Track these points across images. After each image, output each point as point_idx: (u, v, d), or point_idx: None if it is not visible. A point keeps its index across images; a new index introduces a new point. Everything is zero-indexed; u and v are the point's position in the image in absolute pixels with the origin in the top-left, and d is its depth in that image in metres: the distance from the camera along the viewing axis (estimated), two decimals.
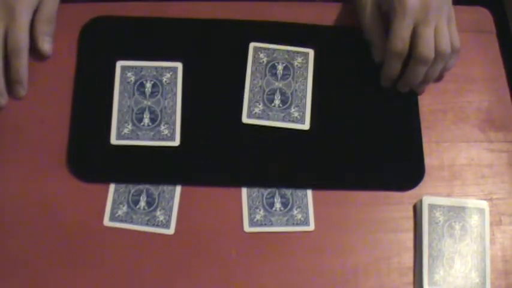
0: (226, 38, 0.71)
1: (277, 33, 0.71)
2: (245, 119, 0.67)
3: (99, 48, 0.70)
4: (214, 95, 0.68)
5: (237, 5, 0.73)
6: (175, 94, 0.68)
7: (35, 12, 0.67)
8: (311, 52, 0.70)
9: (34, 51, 0.66)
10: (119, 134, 0.66)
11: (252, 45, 0.70)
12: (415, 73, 0.67)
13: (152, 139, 0.66)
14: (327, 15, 0.73)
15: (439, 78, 0.70)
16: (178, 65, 0.69)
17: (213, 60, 0.70)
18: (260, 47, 0.70)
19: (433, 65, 0.67)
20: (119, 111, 0.67)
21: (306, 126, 0.68)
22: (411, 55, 0.66)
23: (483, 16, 0.76)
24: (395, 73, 0.68)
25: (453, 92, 0.71)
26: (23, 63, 0.65)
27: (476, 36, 0.74)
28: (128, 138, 0.66)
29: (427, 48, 0.65)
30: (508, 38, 1.03)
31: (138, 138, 0.66)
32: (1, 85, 0.65)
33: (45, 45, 0.68)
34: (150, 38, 0.70)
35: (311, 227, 0.64)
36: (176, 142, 0.66)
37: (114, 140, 0.66)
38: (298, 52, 0.70)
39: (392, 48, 0.66)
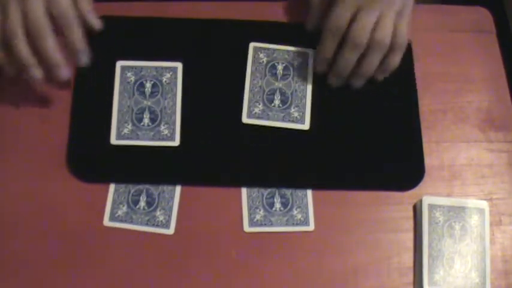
0: (226, 38, 0.71)
1: (277, 33, 0.71)
2: (245, 119, 0.67)
3: (99, 48, 0.69)
4: (214, 95, 0.68)
5: (237, 5, 0.73)
6: (175, 94, 0.68)
7: None
8: (311, 52, 0.70)
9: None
10: (119, 134, 0.66)
11: (252, 45, 0.70)
12: (345, 59, 0.66)
13: (152, 139, 0.66)
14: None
15: (381, 74, 0.69)
16: (178, 65, 0.69)
17: (213, 60, 0.70)
18: (260, 47, 0.70)
19: (368, 55, 0.65)
20: (119, 111, 0.67)
21: (305, 126, 0.68)
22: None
23: (483, 16, 0.76)
24: (328, 54, 0.66)
25: (453, 92, 0.71)
26: (74, 27, 0.63)
27: (476, 36, 0.74)
28: (128, 138, 0.66)
29: (360, 33, 0.63)
30: (508, 38, 1.03)
31: (138, 138, 0.66)
32: (58, 57, 0.62)
33: (94, 20, 0.67)
34: (150, 38, 0.70)
35: (311, 227, 0.64)
36: (176, 142, 0.66)
37: (114, 140, 0.66)
38: (298, 52, 0.70)
39: (327, 25, 0.65)
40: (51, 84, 0.66)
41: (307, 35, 0.72)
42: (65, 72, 0.64)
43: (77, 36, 0.64)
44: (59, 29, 0.63)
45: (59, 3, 0.62)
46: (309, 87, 0.69)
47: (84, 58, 0.66)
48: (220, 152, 0.66)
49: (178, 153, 0.66)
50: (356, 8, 0.63)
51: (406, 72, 0.70)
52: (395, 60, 0.67)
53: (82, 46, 0.65)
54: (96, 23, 0.68)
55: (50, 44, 0.62)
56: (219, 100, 0.68)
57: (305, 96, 0.69)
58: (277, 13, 0.73)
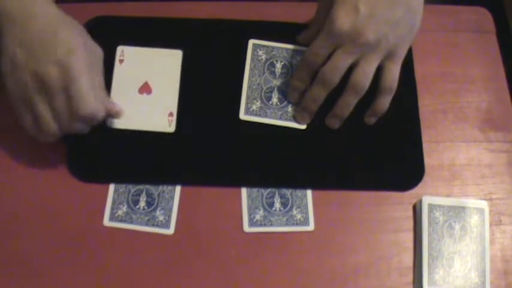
0: (226, 35, 0.71)
1: (276, 31, 0.71)
2: (242, 116, 0.67)
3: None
4: (213, 92, 0.68)
5: (237, 5, 0.73)
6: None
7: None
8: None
9: None
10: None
11: (251, 42, 0.70)
12: (312, 93, 0.65)
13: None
14: None
15: (371, 118, 0.67)
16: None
17: (212, 58, 0.70)
18: (259, 44, 0.70)
19: (342, 95, 0.64)
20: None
21: (303, 125, 0.68)
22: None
23: (483, 16, 0.76)
24: (298, 84, 0.66)
25: (453, 92, 0.71)
26: (100, 116, 0.61)
27: (476, 36, 0.74)
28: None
29: (329, 72, 0.62)
30: (508, 38, 1.03)
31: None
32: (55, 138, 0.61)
33: (116, 106, 0.65)
34: (150, 38, 0.70)
35: (311, 227, 0.64)
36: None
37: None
38: (297, 50, 0.70)
39: (305, 55, 0.64)
40: None
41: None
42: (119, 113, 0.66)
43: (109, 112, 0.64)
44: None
45: (85, 106, 0.58)
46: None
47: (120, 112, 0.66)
48: (220, 152, 0.66)
49: (178, 153, 0.66)
50: (335, 46, 0.61)
51: (406, 72, 0.70)
52: (383, 103, 0.66)
53: (117, 109, 0.65)
54: (119, 111, 0.66)
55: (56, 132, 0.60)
56: (217, 97, 0.68)
57: None
58: (277, 13, 0.73)
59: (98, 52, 0.62)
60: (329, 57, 0.62)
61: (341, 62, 0.61)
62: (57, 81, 0.57)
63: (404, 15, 0.61)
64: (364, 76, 0.62)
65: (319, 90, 0.64)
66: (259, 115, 0.68)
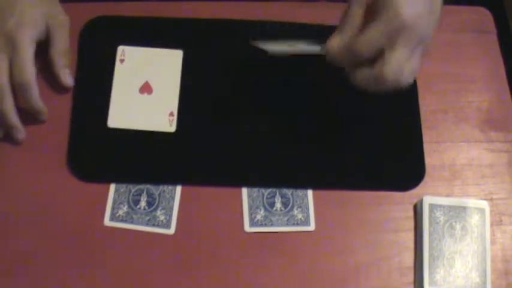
0: (227, 35, 0.71)
1: (277, 32, 0.71)
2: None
3: (99, 48, 0.70)
4: (214, 91, 0.68)
5: (238, 5, 0.73)
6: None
7: (50, 47, 0.66)
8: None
9: (35, 55, 0.65)
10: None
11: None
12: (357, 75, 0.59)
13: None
14: (328, 15, 0.73)
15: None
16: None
17: (212, 58, 0.70)
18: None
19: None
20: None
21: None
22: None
23: (483, 16, 0.76)
24: (338, 63, 0.60)
25: (453, 92, 0.71)
26: (33, 95, 0.63)
27: (476, 36, 0.74)
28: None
29: (394, 70, 0.56)
30: (508, 38, 1.03)
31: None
32: (14, 120, 0.64)
33: (67, 78, 0.67)
34: (151, 38, 0.70)
35: (311, 227, 0.64)
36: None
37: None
38: None
39: (355, 47, 0.57)
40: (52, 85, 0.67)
41: (306, 34, 0.72)
42: (21, 135, 0.64)
43: (35, 100, 0.64)
44: (17, 92, 0.63)
45: (24, 73, 0.62)
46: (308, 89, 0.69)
47: (42, 118, 0.66)
48: (220, 151, 0.66)
49: (179, 153, 0.66)
50: (388, 42, 0.56)
51: None
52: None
53: (37, 108, 0.65)
54: (69, 82, 0.67)
55: (8, 105, 0.63)
56: (217, 97, 0.68)
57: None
58: (277, 13, 0.73)
59: (62, 20, 0.67)
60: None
61: (404, 59, 0.56)
62: (2, 49, 0.62)
63: (440, 9, 0.59)
64: (414, 71, 0.58)
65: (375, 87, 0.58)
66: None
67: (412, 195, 0.66)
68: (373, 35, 0.56)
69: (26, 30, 0.63)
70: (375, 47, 0.56)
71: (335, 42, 0.59)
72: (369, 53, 0.57)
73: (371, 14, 0.57)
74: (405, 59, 0.57)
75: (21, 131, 0.64)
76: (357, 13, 0.59)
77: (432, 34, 0.59)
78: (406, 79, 0.57)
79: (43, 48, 0.66)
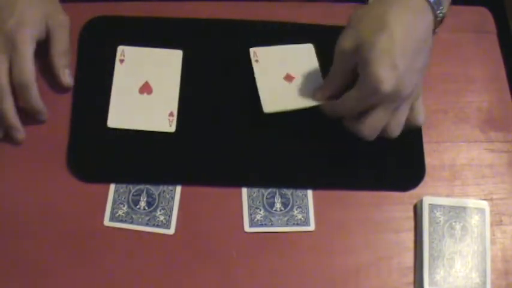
0: (226, 35, 0.71)
1: (277, 32, 0.71)
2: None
3: (99, 48, 0.70)
4: (214, 91, 0.68)
5: (238, 5, 0.73)
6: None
7: (50, 47, 0.66)
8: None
9: (35, 55, 0.65)
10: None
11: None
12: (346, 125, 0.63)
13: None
14: (328, 15, 0.73)
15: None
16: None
17: (212, 58, 0.70)
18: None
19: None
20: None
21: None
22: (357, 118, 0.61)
23: (483, 16, 0.76)
24: (329, 114, 0.64)
25: (453, 92, 0.71)
26: (32, 95, 0.63)
27: (476, 36, 0.74)
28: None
29: (369, 130, 0.60)
30: (508, 38, 1.03)
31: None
32: (14, 120, 0.63)
33: (67, 78, 0.67)
34: (151, 38, 0.70)
35: (311, 227, 0.64)
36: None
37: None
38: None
39: (336, 106, 0.63)
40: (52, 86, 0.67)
41: (306, 34, 0.72)
42: (20, 135, 0.64)
43: (35, 100, 0.64)
44: (17, 92, 0.63)
45: (24, 73, 0.62)
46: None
47: (41, 118, 0.66)
48: (220, 151, 0.66)
49: (179, 153, 0.66)
50: (373, 104, 0.59)
51: None
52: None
53: (37, 108, 0.65)
54: (69, 82, 0.67)
55: (8, 106, 0.63)
56: (217, 97, 0.68)
57: None
58: (277, 13, 0.73)
59: (62, 20, 0.67)
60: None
61: (381, 121, 0.60)
62: (1, 49, 0.62)
63: (426, 56, 0.61)
64: (399, 126, 0.62)
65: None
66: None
67: (412, 195, 0.66)
68: (351, 103, 0.60)
69: (26, 30, 0.63)
70: (354, 111, 0.61)
71: (318, 94, 0.65)
72: (350, 116, 0.61)
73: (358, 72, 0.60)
74: (383, 120, 0.60)
75: (20, 131, 0.64)
76: (339, 72, 0.63)
77: (424, 74, 0.62)
78: (392, 133, 0.62)
79: (43, 48, 0.66)
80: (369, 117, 0.60)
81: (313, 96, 0.66)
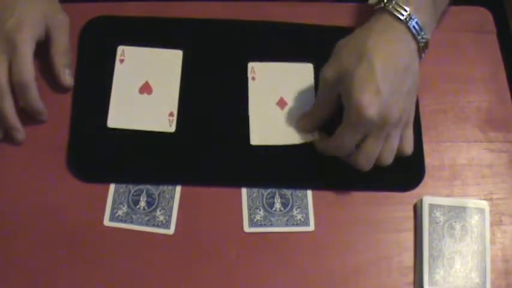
0: (226, 35, 0.71)
1: (277, 32, 0.71)
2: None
3: (99, 48, 0.70)
4: (213, 91, 0.68)
5: (238, 5, 0.73)
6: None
7: (50, 47, 0.66)
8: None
9: (35, 55, 0.65)
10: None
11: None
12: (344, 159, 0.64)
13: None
14: (328, 15, 0.73)
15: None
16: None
17: (212, 58, 0.70)
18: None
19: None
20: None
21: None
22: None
23: (483, 16, 0.76)
24: (324, 154, 0.65)
25: (453, 92, 0.71)
26: (32, 95, 0.63)
27: (476, 36, 0.74)
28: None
29: (363, 161, 0.61)
30: (508, 38, 1.03)
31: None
32: (14, 120, 0.63)
33: (68, 78, 0.67)
34: (151, 38, 0.70)
35: (311, 227, 0.64)
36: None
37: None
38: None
39: (328, 146, 0.63)
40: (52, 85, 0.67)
41: (306, 35, 0.72)
42: (20, 135, 0.64)
43: (35, 100, 0.64)
44: (17, 92, 0.63)
45: (23, 73, 0.62)
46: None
47: (43, 117, 0.66)
48: (220, 151, 0.66)
49: (179, 153, 0.66)
50: (363, 134, 0.60)
51: None
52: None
53: (37, 109, 0.65)
54: (69, 82, 0.67)
55: (8, 106, 0.63)
56: (217, 97, 0.68)
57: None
58: (277, 13, 0.73)
59: (62, 19, 0.67)
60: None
61: (375, 150, 0.61)
62: (1, 48, 0.62)
63: (413, 81, 0.61)
64: (392, 152, 0.62)
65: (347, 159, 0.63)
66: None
67: (412, 195, 0.66)
68: (343, 139, 0.61)
69: (25, 30, 0.63)
70: (348, 148, 0.61)
71: (301, 123, 0.66)
72: (344, 153, 0.62)
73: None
74: (376, 148, 0.61)
75: (20, 132, 0.64)
76: (325, 101, 0.63)
77: (413, 102, 0.62)
78: (384, 161, 0.62)
79: (43, 48, 0.66)
80: (362, 148, 0.61)
81: (299, 125, 0.66)
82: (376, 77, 0.58)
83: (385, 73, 0.58)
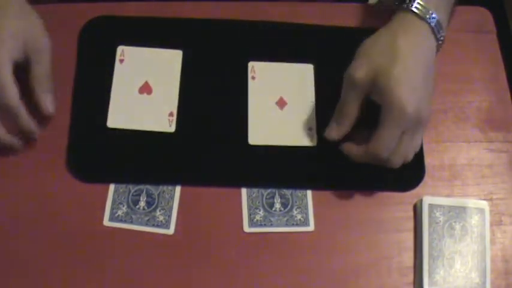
0: (226, 35, 0.71)
1: (277, 32, 0.71)
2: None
3: (99, 48, 0.70)
4: (213, 91, 0.68)
5: (237, 5, 0.73)
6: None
7: (28, 72, 0.63)
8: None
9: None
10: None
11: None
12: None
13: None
14: (328, 15, 0.73)
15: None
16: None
17: (212, 58, 0.70)
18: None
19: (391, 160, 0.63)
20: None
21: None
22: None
23: (483, 16, 0.76)
24: (362, 161, 0.63)
25: (453, 92, 0.71)
26: (19, 115, 0.61)
27: (476, 36, 0.74)
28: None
29: (398, 158, 0.62)
30: (508, 38, 1.03)
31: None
32: (7, 137, 0.62)
33: (48, 104, 0.64)
34: (150, 38, 0.70)
35: (311, 227, 0.64)
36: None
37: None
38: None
39: (374, 152, 0.61)
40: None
41: (306, 35, 0.72)
42: (17, 147, 0.64)
43: (25, 121, 0.62)
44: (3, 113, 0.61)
45: (5, 97, 0.60)
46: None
47: (35, 136, 0.64)
48: (219, 151, 0.66)
49: (179, 153, 0.66)
50: (401, 133, 0.60)
51: None
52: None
53: (28, 129, 0.63)
54: (50, 109, 0.64)
55: None
56: (217, 97, 0.68)
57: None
58: (277, 13, 0.73)
59: (43, 42, 0.64)
60: None
61: (408, 147, 0.62)
62: None
63: (433, 83, 0.63)
64: (416, 148, 0.64)
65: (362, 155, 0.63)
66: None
67: (412, 195, 0.66)
68: (385, 142, 0.60)
69: (1, 51, 0.60)
70: (389, 150, 0.60)
71: (333, 133, 0.64)
72: (386, 156, 0.61)
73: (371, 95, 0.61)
74: (409, 146, 0.62)
75: (16, 146, 0.63)
76: (354, 104, 0.62)
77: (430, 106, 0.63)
78: (407, 158, 0.63)
79: None
80: (399, 146, 0.61)
81: (327, 135, 0.64)
82: (411, 75, 0.59)
83: (418, 71, 0.60)
